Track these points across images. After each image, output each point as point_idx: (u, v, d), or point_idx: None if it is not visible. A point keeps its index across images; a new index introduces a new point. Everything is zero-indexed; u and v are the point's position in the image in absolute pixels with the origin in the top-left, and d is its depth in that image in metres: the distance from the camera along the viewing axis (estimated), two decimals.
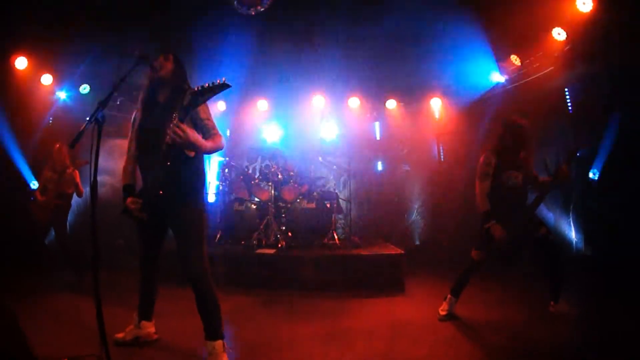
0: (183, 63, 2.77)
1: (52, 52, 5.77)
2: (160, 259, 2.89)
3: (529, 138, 3.54)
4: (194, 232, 2.61)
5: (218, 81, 2.27)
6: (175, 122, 2.30)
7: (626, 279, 4.15)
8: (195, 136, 2.39)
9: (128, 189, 2.68)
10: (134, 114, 2.78)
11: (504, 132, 3.55)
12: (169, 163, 2.42)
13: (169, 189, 2.48)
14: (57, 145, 4.81)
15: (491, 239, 3.38)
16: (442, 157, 7.26)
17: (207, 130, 2.58)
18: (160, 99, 2.68)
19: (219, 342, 2.56)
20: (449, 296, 3.62)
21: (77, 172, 4.83)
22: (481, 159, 3.59)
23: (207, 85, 2.29)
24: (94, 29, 5.39)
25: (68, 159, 4.80)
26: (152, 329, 2.97)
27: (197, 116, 2.56)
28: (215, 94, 2.33)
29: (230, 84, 2.26)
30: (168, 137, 2.32)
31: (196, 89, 2.32)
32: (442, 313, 3.59)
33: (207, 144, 2.50)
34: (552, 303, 3.49)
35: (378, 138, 7.75)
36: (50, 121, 6.45)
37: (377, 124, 7.75)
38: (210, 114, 2.65)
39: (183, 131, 2.30)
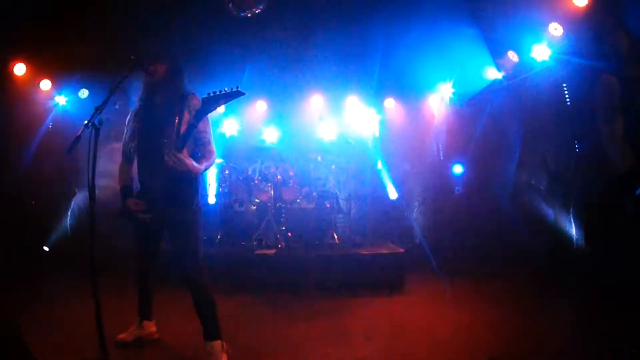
0: (179, 66, 2.76)
1: (50, 58, 5.79)
2: (158, 261, 2.90)
3: None
4: (190, 233, 2.62)
5: (232, 88, 2.30)
6: (171, 152, 2.36)
7: (626, 277, 4.13)
8: (189, 163, 2.45)
9: (126, 189, 2.69)
10: (129, 116, 2.79)
11: None
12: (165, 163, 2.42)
13: (166, 190, 2.49)
14: None
15: None
16: (441, 154, 7.23)
17: (202, 144, 2.62)
18: (157, 102, 2.68)
19: (217, 342, 2.58)
20: None
21: None
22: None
23: (220, 92, 2.32)
24: (92, 34, 5.40)
25: None
26: (153, 329, 3.00)
27: (195, 128, 2.58)
28: (228, 100, 2.35)
29: (244, 91, 2.29)
30: (166, 159, 2.37)
31: (209, 94, 2.34)
32: None
33: (201, 166, 2.57)
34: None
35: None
36: (50, 126, 6.47)
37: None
38: (208, 128, 2.67)
39: (178, 160, 2.37)
